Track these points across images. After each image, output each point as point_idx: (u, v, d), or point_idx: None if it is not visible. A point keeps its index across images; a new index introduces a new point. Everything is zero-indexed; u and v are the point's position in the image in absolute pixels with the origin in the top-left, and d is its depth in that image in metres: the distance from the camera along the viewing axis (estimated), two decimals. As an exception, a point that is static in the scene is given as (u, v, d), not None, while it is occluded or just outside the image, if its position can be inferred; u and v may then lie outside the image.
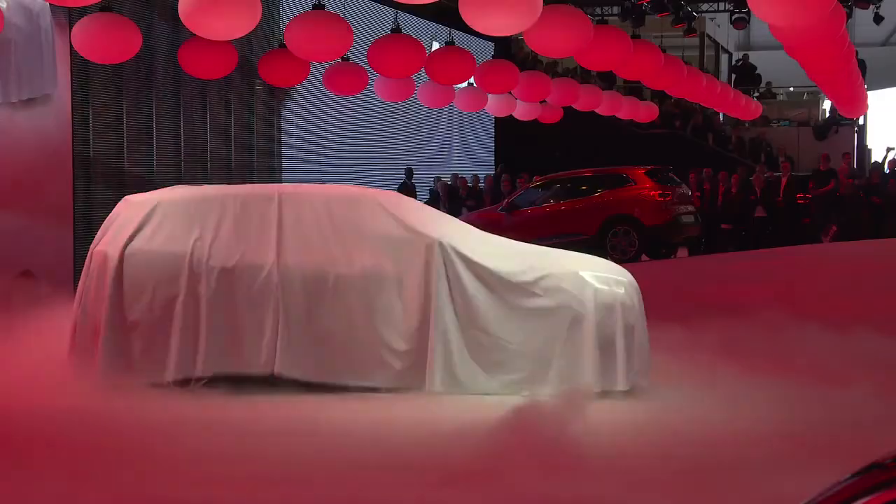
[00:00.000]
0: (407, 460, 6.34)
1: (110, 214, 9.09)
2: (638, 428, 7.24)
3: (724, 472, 6.22)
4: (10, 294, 9.88)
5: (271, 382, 8.13)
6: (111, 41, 10.73)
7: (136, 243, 8.21)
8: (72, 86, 13.59)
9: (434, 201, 21.12)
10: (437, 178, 22.99)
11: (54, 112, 13.34)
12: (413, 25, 20.92)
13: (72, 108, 13.63)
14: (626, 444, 6.77)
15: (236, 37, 9.80)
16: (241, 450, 6.55)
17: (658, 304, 10.54)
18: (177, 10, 9.36)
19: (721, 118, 28.07)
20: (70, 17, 12.99)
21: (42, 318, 9.31)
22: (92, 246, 8.88)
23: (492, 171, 24.95)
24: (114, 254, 8.19)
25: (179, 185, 9.30)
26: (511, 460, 6.13)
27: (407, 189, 20.98)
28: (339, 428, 7.10)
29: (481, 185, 22.81)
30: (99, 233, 8.99)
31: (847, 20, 13.99)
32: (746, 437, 6.99)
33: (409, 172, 22.25)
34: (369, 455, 6.41)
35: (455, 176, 23.18)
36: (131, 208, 8.47)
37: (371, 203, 8.33)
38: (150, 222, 8.27)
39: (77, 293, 8.56)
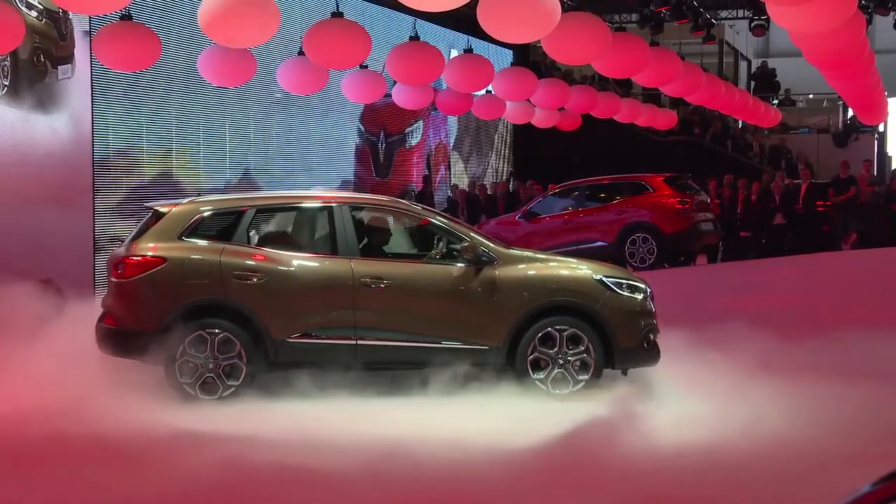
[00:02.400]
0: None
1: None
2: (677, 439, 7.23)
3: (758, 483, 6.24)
4: (31, 300, 9.91)
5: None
6: (131, 50, 10.78)
7: None
8: (92, 94, 13.67)
9: (452, 209, 21.12)
10: (455, 186, 22.98)
11: (75, 120, 13.42)
12: (431, 33, 20.94)
13: (92, 116, 13.70)
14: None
15: (255, 45, 9.83)
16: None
17: (678, 312, 10.53)
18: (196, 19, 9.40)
19: (740, 125, 27.98)
20: (91, 25, 13.08)
21: (63, 325, 9.38)
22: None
23: (510, 179, 24.98)
24: None
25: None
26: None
27: (423, 196, 20.99)
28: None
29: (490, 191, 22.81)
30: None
31: (867, 26, 13.92)
32: (777, 445, 7.00)
33: (426, 179, 22.25)
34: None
35: (473, 183, 23.19)
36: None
37: None
38: None
39: None
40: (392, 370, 8.94)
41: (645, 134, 24.71)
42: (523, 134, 24.92)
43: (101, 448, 6.95)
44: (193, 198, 9.47)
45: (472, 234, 9.24)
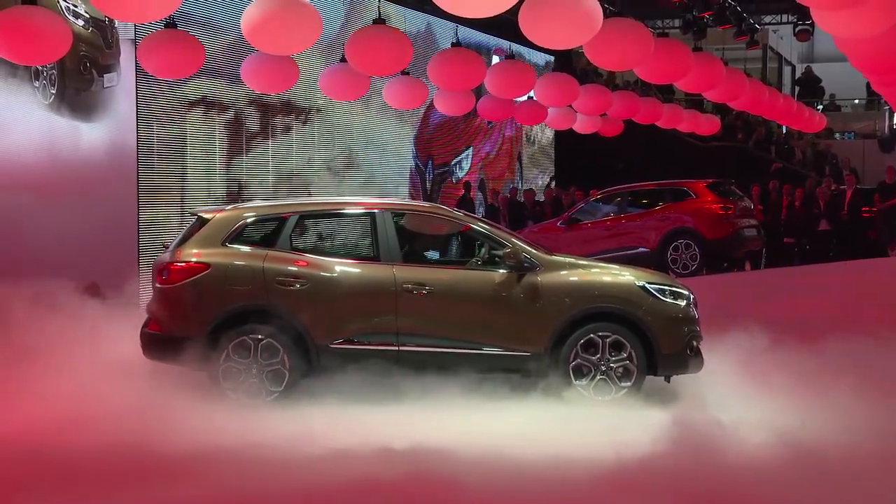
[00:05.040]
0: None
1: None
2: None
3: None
4: (76, 306, 10.01)
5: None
6: (175, 57, 10.87)
7: None
8: (137, 101, 13.80)
9: (493, 215, 21.10)
10: (497, 192, 22.97)
11: (120, 128, 13.55)
12: (473, 39, 20.96)
13: (137, 123, 13.83)
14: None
15: (297, 51, 9.88)
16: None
17: (720, 318, 10.45)
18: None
19: (784, 131, 27.76)
20: (136, 33, 13.22)
21: (108, 330, 9.47)
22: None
23: (552, 185, 24.92)
24: None
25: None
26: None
27: (466, 203, 20.99)
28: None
29: (538, 197, 22.77)
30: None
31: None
32: (822, 448, 6.99)
33: (467, 186, 22.25)
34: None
35: (514, 189, 23.17)
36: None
37: None
38: None
39: None
40: (434, 376, 8.91)
41: (688, 139, 24.57)
42: (565, 140, 24.87)
43: (158, 459, 6.98)
44: (237, 204, 9.56)
45: (513, 240, 9.24)
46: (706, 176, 19.02)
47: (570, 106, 17.27)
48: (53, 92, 12.56)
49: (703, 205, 18.01)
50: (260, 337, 8.76)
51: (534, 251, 9.14)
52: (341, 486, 6.34)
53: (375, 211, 9.22)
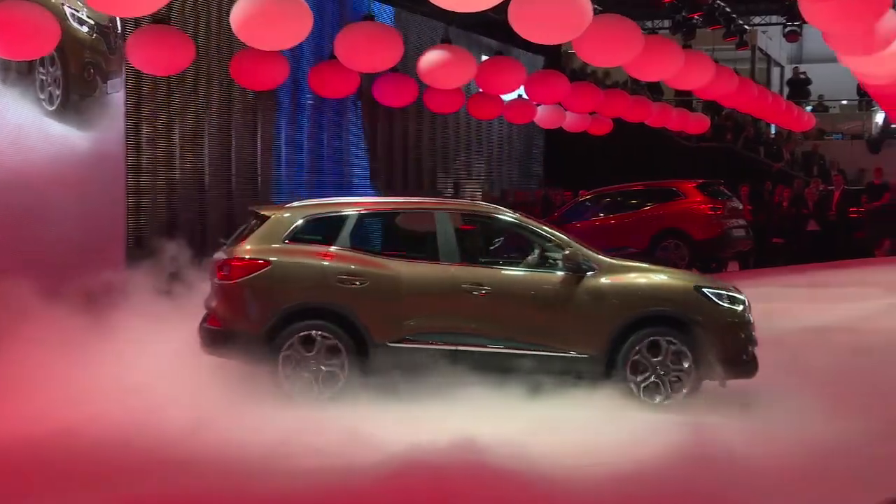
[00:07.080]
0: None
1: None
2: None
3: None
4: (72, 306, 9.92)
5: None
6: (164, 53, 10.83)
7: None
8: (126, 98, 13.74)
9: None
10: (485, 192, 22.97)
11: (109, 125, 13.47)
12: (463, 40, 20.94)
13: (125, 121, 13.76)
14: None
15: (287, 47, 9.87)
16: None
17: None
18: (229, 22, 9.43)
19: (773, 132, 27.83)
20: (124, 28, 13.15)
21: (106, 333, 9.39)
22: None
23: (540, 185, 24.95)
24: None
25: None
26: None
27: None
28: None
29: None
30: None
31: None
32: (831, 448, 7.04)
33: (455, 187, 22.27)
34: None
35: (506, 191, 23.19)
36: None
37: None
38: None
39: None
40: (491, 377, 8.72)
41: (677, 140, 24.62)
42: (554, 139, 24.89)
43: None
44: (297, 202, 9.61)
45: (573, 241, 9.25)
46: (695, 176, 19.06)
47: (560, 104, 17.29)
48: (58, 97, 12.37)
49: (692, 205, 18.03)
50: (319, 334, 8.78)
51: (592, 253, 9.15)
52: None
53: (435, 211, 9.26)
